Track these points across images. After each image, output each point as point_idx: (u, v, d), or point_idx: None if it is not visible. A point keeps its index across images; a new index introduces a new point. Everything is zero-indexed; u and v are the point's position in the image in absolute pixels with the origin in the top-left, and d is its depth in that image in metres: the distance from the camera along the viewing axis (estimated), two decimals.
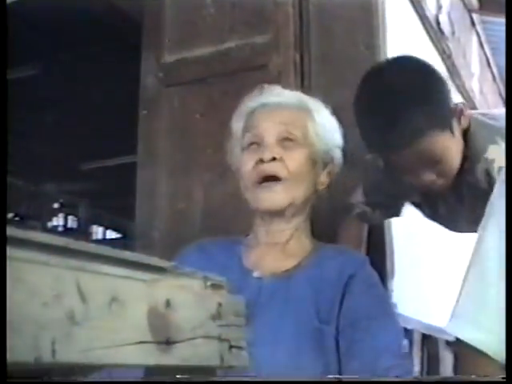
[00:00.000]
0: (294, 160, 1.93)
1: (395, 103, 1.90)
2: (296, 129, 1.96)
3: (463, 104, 2.01)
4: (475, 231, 2.25)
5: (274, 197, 1.91)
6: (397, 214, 2.40)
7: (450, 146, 1.94)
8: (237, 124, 2.06)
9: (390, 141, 1.89)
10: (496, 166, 1.95)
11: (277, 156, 1.91)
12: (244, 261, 2.00)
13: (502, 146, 1.93)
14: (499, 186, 1.53)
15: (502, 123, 1.97)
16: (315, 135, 1.98)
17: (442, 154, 1.92)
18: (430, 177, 1.96)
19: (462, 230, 2.31)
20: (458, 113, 1.98)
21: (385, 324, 1.87)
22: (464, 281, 1.50)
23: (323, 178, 2.02)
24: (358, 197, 2.32)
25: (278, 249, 1.98)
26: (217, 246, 2.06)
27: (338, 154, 2.06)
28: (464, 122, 2.00)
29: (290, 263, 1.96)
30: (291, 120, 1.98)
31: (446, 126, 1.93)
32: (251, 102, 2.05)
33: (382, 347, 1.79)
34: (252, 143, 1.97)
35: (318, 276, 1.91)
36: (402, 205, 2.35)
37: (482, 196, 2.06)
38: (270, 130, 1.95)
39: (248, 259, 2.00)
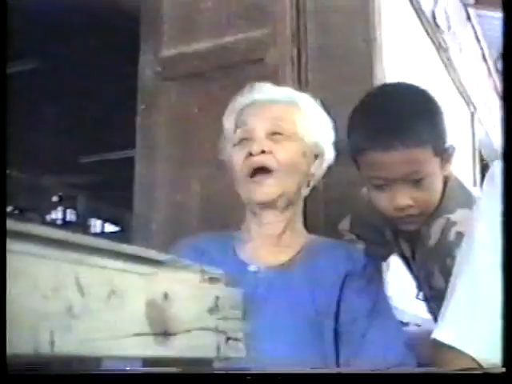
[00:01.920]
0: (284, 152, 1.94)
1: (399, 111, 1.85)
2: (285, 123, 1.98)
3: (453, 148, 1.92)
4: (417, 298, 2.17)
5: (266, 189, 1.92)
6: (382, 257, 2.29)
7: (435, 174, 1.87)
8: (228, 121, 2.08)
9: (386, 138, 1.81)
10: (455, 230, 1.87)
11: (266, 149, 1.92)
12: (238, 254, 2.01)
13: (470, 214, 1.75)
14: (488, 187, 1.49)
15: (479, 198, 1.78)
16: (304, 129, 2.00)
17: (426, 175, 1.85)
18: (405, 200, 1.86)
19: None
20: (448, 155, 1.91)
21: (387, 320, 1.90)
22: (452, 288, 1.47)
23: (314, 171, 2.04)
24: (345, 225, 2.29)
25: (273, 241, 1.99)
26: (208, 242, 2.06)
27: (328, 147, 2.07)
28: (447, 168, 1.92)
29: (285, 256, 1.97)
30: (280, 115, 2.00)
31: (440, 153, 1.87)
32: (242, 98, 2.07)
33: (388, 344, 1.82)
34: (242, 139, 1.98)
35: (314, 268, 1.92)
36: (386, 249, 2.23)
37: (426, 253, 1.99)
38: (259, 125, 1.97)
39: (243, 252, 2.01)
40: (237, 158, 1.98)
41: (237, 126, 2.03)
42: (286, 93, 2.08)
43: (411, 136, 1.80)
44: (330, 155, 2.07)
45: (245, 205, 2.03)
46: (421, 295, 2.13)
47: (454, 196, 1.94)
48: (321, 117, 2.07)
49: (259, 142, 1.94)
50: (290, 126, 1.98)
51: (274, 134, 1.96)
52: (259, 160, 1.92)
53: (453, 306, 1.44)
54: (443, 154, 1.88)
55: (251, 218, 2.02)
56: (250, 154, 1.93)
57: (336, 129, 2.09)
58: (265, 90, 2.07)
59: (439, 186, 1.91)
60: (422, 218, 1.92)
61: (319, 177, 2.08)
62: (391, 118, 1.84)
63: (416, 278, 2.16)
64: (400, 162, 1.81)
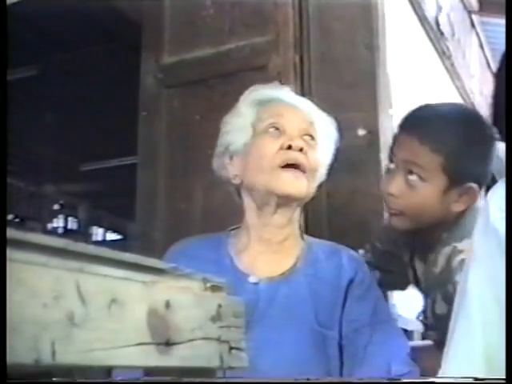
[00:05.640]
0: (314, 157, 1.91)
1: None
2: (313, 131, 1.96)
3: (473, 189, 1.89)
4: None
5: (300, 183, 1.87)
6: (400, 286, 2.29)
7: (433, 195, 1.88)
8: (248, 106, 2.00)
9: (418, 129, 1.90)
10: (460, 257, 1.83)
11: (304, 147, 1.89)
12: (237, 262, 1.95)
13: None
14: (481, 227, 1.44)
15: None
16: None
17: (423, 178, 1.88)
18: (393, 188, 1.89)
19: None
20: (468, 192, 1.88)
21: (388, 329, 1.88)
22: (451, 333, 1.43)
23: (311, 190, 1.98)
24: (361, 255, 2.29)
25: (273, 249, 1.94)
26: (202, 247, 2.00)
27: (324, 172, 2.02)
28: (469, 202, 1.90)
29: (285, 265, 1.92)
30: (310, 122, 1.97)
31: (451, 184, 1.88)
32: (267, 90, 2.03)
33: (392, 354, 1.80)
34: (271, 128, 1.94)
35: (314, 277, 1.89)
36: (403, 278, 2.19)
37: (431, 280, 1.97)
38: (294, 122, 1.93)
39: (241, 261, 1.95)
40: (267, 147, 1.90)
41: (264, 113, 1.97)
42: (308, 105, 2.04)
43: (436, 140, 1.83)
44: (321, 179, 2.03)
45: (246, 208, 1.99)
46: (422, 317, 2.13)
47: (465, 226, 1.92)
48: (329, 142, 2.03)
49: (298, 138, 1.90)
50: (316, 135, 1.97)
51: (306, 135, 1.94)
52: (297, 156, 1.87)
53: (451, 354, 1.40)
54: (454, 188, 1.88)
55: (253, 219, 1.98)
56: (289, 147, 1.88)
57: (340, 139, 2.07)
58: (291, 95, 2.04)
59: (435, 208, 1.90)
60: (405, 219, 1.92)
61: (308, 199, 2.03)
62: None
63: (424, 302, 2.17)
64: (410, 147, 1.86)
